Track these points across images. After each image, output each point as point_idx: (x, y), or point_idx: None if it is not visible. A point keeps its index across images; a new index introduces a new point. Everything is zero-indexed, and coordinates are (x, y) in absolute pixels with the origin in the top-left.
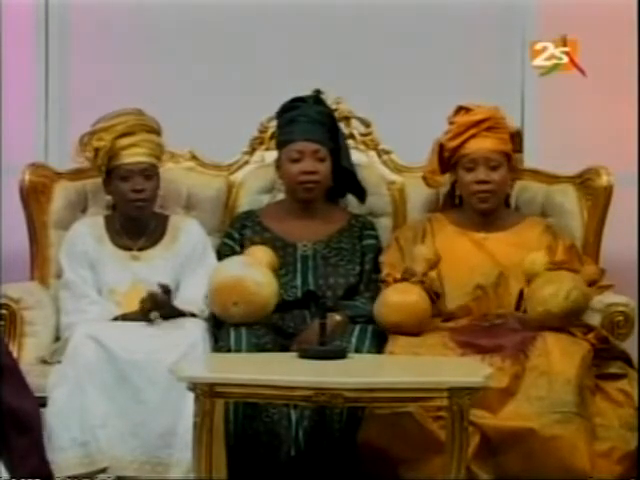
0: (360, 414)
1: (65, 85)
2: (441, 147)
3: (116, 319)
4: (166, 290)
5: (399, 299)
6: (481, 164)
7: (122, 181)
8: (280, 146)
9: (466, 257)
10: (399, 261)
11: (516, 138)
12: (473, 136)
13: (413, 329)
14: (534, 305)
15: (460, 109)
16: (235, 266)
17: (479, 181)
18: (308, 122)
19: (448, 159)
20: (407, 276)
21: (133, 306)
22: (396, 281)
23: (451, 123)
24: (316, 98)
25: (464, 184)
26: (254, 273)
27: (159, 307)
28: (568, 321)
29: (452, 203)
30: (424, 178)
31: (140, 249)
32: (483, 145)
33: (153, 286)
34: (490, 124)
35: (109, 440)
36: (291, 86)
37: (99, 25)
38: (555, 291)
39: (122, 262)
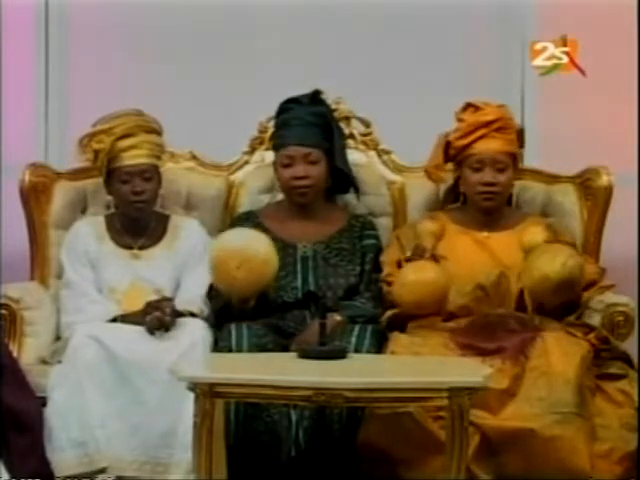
0: (360, 414)
1: (65, 85)
2: (447, 144)
3: (115, 320)
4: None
5: (417, 277)
6: (488, 165)
7: (122, 183)
8: (274, 149)
9: (467, 256)
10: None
11: (519, 135)
12: (482, 137)
13: (433, 306)
14: (531, 271)
15: (469, 106)
16: (228, 236)
17: (486, 182)
18: (300, 125)
19: (454, 156)
20: (419, 252)
21: (133, 305)
22: (408, 260)
23: (459, 120)
24: (312, 97)
25: (470, 184)
26: (253, 236)
27: (164, 325)
28: (562, 293)
29: (454, 198)
30: (426, 172)
31: (141, 248)
32: (491, 146)
33: (153, 286)
34: (500, 125)
35: (109, 440)
36: (291, 86)
37: (99, 25)
38: (553, 258)
39: (123, 261)
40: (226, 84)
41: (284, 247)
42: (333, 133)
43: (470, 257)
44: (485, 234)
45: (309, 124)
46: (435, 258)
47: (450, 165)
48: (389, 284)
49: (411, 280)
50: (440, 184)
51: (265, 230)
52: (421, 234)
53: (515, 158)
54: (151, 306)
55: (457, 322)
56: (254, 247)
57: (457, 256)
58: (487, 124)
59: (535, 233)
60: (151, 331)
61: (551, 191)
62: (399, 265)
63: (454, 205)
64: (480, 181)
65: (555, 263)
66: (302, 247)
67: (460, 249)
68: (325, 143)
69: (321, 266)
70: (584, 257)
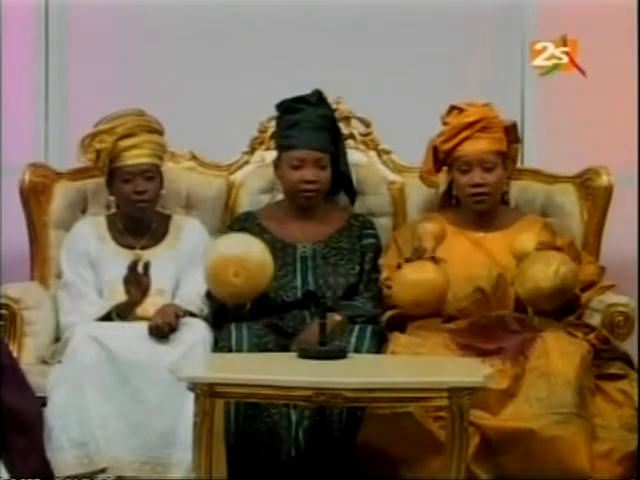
0: (360, 414)
1: (65, 85)
2: (435, 148)
3: (110, 315)
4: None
5: (416, 277)
6: (476, 166)
7: (124, 183)
8: (281, 149)
9: (465, 258)
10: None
11: (512, 130)
12: (467, 138)
13: (432, 306)
14: (523, 282)
15: (453, 109)
16: (230, 239)
17: (474, 184)
18: (311, 128)
19: (443, 160)
20: (418, 253)
21: None
22: (408, 260)
23: (445, 123)
24: (318, 98)
25: (460, 186)
26: (250, 242)
27: (166, 335)
28: (557, 300)
29: (450, 202)
30: (421, 177)
31: (143, 248)
32: (477, 147)
33: (155, 285)
34: (483, 124)
35: (108, 440)
36: (291, 86)
37: (99, 25)
38: (544, 267)
39: (124, 261)
40: (226, 84)
41: (283, 247)
42: (339, 136)
43: (467, 259)
44: (481, 234)
45: (320, 127)
46: (435, 259)
47: (444, 175)
48: (388, 287)
49: (410, 280)
50: (435, 188)
51: (264, 230)
52: (422, 235)
53: (505, 156)
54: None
55: (457, 323)
56: (251, 253)
57: (454, 258)
58: (470, 125)
59: (525, 240)
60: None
61: (551, 191)
62: (399, 267)
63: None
64: (469, 182)
65: (547, 273)
66: (301, 247)
67: (457, 250)
68: (332, 147)
69: (320, 265)
70: (584, 254)
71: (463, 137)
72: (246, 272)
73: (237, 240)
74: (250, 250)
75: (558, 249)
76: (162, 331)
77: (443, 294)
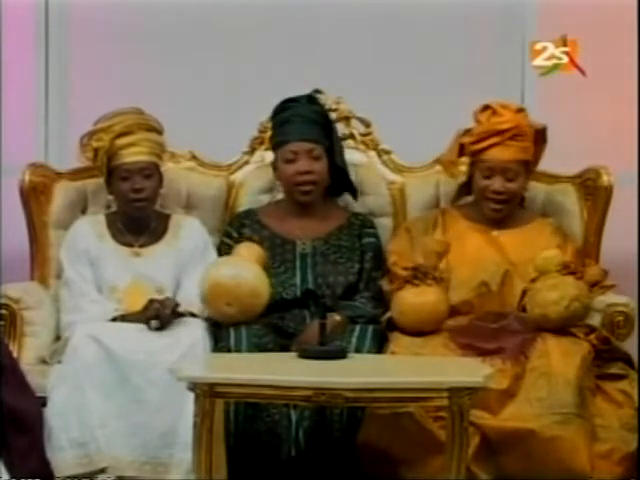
0: (360, 414)
1: (65, 85)
2: (461, 146)
3: (115, 319)
4: (174, 308)
5: (417, 300)
6: (498, 174)
7: (122, 181)
8: (275, 148)
9: (475, 252)
10: (408, 251)
11: (541, 132)
12: (496, 144)
13: (432, 326)
14: (534, 306)
15: (487, 108)
16: (221, 268)
17: (494, 191)
18: (302, 122)
19: (468, 156)
20: (420, 275)
21: (134, 303)
22: (407, 281)
23: (476, 120)
24: (309, 97)
25: (479, 187)
26: (241, 271)
27: (161, 317)
28: (564, 326)
29: (467, 192)
30: (442, 164)
31: (141, 245)
32: (504, 155)
33: (154, 284)
34: (515, 132)
35: (109, 440)
36: (291, 86)
37: (99, 25)
38: (558, 299)
39: (123, 258)
40: (226, 84)
41: (283, 243)
42: (332, 132)
43: (477, 254)
44: (495, 232)
45: (311, 121)
46: (436, 280)
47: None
48: (391, 280)
49: (411, 303)
50: (455, 179)
51: (263, 226)
52: (424, 253)
53: (528, 164)
54: (153, 302)
55: (458, 320)
56: (241, 282)
57: (464, 252)
58: (501, 132)
59: (549, 256)
60: (148, 322)
61: (551, 191)
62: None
63: (466, 200)
64: (489, 188)
65: (559, 306)
66: (301, 244)
67: (468, 245)
68: (325, 141)
69: (320, 263)
70: (587, 261)
71: (492, 143)
72: (238, 302)
73: (228, 267)
74: (241, 278)
75: (578, 277)
76: (162, 318)
77: (443, 315)
